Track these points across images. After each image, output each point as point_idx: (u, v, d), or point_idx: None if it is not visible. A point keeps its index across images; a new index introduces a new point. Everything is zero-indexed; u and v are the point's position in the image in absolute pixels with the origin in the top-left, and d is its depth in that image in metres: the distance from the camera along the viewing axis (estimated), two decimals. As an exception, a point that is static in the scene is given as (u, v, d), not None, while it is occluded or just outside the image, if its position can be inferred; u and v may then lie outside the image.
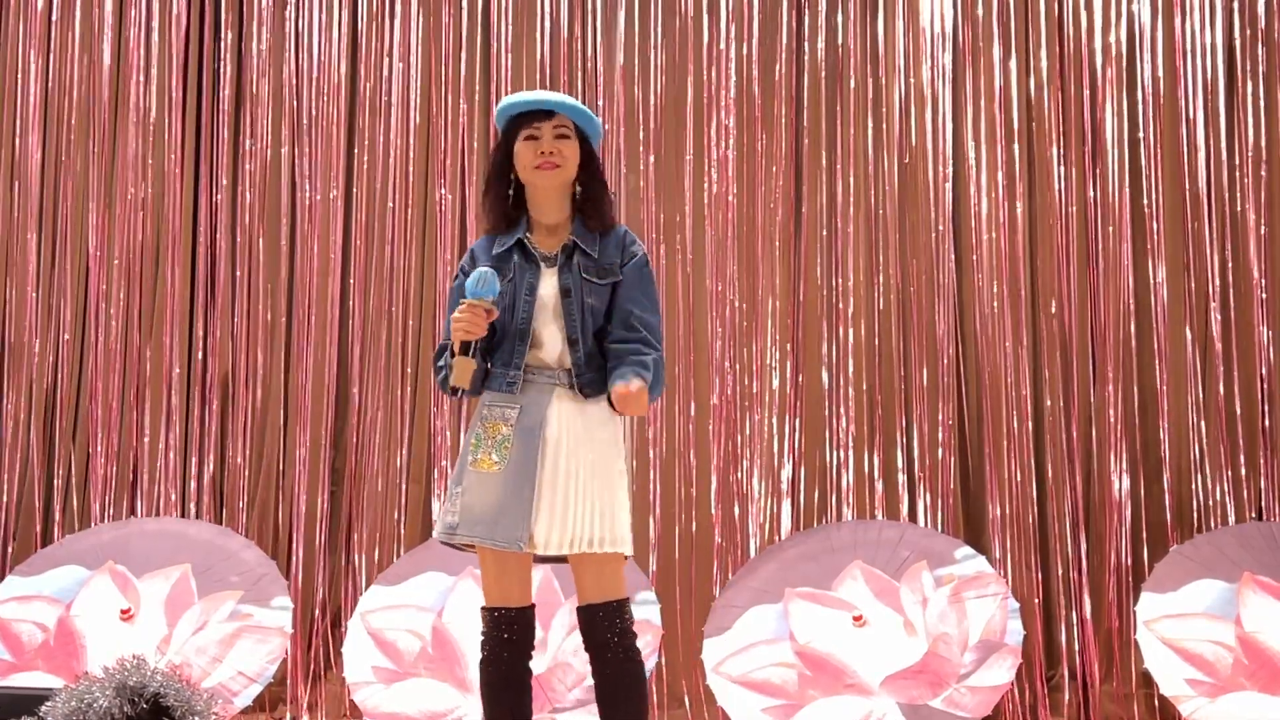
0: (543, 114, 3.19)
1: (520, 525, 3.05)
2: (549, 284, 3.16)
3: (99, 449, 5.58)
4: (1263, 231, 5.20)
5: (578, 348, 3.13)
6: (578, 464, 3.09)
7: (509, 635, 3.14)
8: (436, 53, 5.61)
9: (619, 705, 3.09)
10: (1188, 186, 5.25)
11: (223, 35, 5.72)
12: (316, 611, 5.34)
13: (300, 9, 5.70)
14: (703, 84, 5.49)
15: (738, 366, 5.36)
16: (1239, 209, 5.23)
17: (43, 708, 2.95)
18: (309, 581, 5.38)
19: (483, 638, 3.17)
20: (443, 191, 5.55)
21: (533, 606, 3.19)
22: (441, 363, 3.15)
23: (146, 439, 5.57)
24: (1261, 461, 5.12)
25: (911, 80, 5.41)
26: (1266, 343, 5.16)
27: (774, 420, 5.34)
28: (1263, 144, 5.23)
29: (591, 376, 3.13)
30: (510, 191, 3.22)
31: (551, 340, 3.15)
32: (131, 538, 5.28)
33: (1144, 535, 5.13)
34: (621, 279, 3.18)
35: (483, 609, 3.17)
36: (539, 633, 3.36)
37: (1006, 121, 5.34)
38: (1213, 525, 5.06)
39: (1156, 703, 4.87)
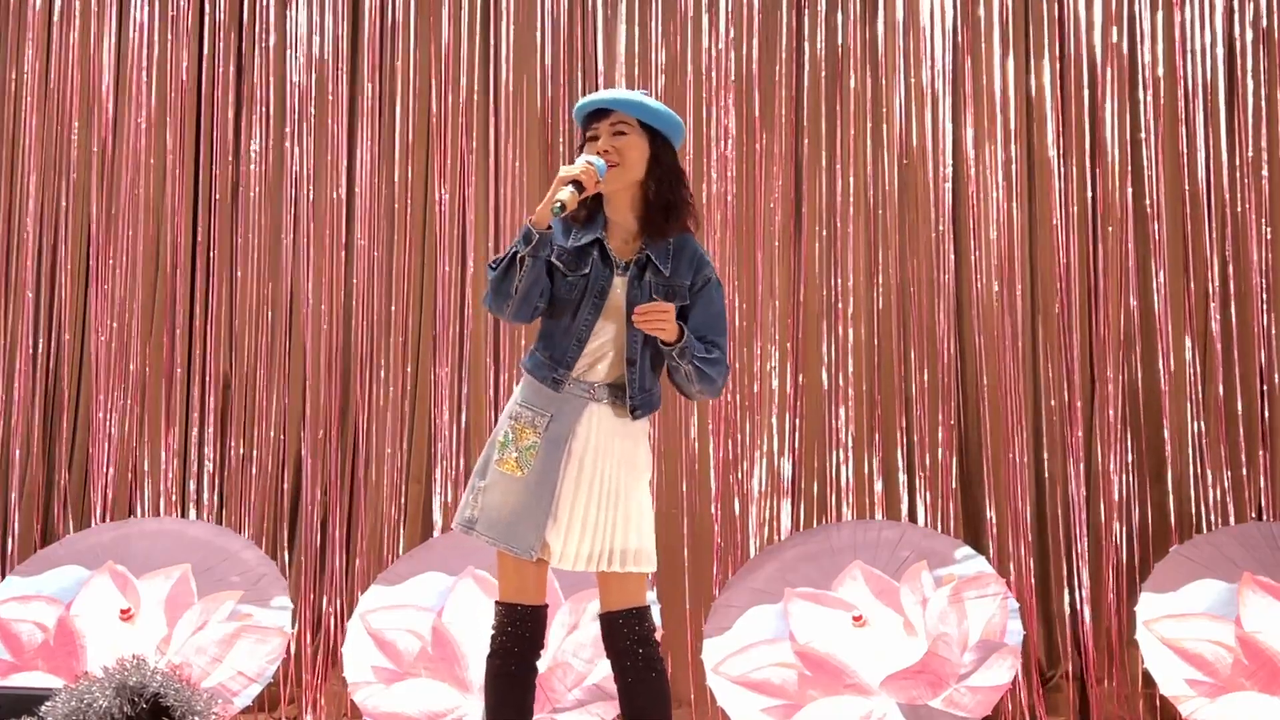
0: (601, 113, 3.14)
1: (535, 534, 3.06)
2: (617, 295, 3.10)
3: (99, 449, 5.58)
4: (1263, 231, 5.20)
5: (635, 367, 3.08)
6: (602, 479, 3.07)
7: (521, 632, 3.13)
8: (437, 53, 5.61)
9: (642, 715, 3.11)
10: (1188, 186, 5.25)
11: (223, 35, 5.72)
12: (317, 611, 5.34)
13: (300, 9, 5.70)
14: (703, 84, 5.48)
15: (738, 366, 5.35)
16: (1239, 209, 5.22)
17: (43, 708, 2.94)
18: (309, 581, 5.38)
19: (494, 631, 3.16)
20: (443, 191, 5.55)
21: (545, 606, 3.18)
22: (502, 259, 3.04)
23: (147, 439, 5.57)
24: (1261, 461, 5.12)
25: (911, 80, 5.40)
26: (1267, 343, 5.16)
27: (774, 420, 5.34)
28: (1263, 144, 5.22)
29: (644, 398, 3.10)
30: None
31: (605, 353, 3.10)
32: (131, 538, 5.28)
33: (1144, 535, 5.13)
34: (690, 303, 3.12)
35: (497, 603, 3.16)
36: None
37: (1006, 121, 5.34)
38: (1213, 525, 5.06)
39: (1157, 703, 4.87)
